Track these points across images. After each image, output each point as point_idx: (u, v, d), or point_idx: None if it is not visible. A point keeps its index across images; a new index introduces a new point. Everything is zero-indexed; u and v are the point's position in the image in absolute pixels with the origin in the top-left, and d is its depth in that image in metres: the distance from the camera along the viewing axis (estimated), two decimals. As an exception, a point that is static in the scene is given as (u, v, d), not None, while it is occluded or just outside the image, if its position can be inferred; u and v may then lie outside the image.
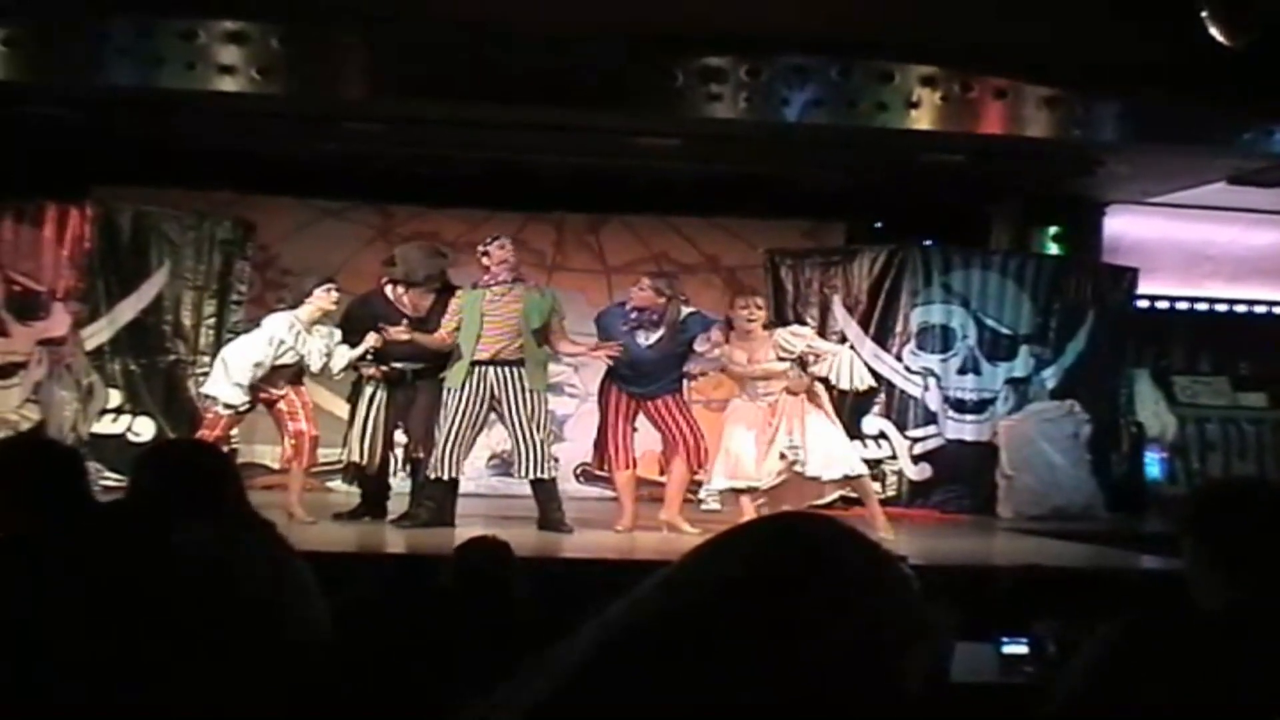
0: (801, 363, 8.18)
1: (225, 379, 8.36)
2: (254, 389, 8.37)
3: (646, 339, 8.46)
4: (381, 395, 8.65)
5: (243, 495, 3.21)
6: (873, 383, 8.82)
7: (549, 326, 8.38)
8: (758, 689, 1.32)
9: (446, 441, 8.18)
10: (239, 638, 2.21)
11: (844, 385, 8.32)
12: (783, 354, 8.15)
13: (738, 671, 1.33)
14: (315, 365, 8.51)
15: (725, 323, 8.29)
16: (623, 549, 7.88)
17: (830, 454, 8.08)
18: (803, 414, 8.08)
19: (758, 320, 8.21)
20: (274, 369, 8.38)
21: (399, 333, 8.29)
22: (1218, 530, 2.39)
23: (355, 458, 8.66)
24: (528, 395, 8.25)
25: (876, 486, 10.28)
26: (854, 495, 8.54)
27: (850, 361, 8.35)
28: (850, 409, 10.81)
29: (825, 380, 8.32)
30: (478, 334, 8.21)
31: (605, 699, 1.33)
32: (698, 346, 8.35)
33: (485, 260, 8.34)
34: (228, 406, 8.37)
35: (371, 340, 8.44)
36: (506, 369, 8.23)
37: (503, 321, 8.26)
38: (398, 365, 8.56)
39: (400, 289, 8.68)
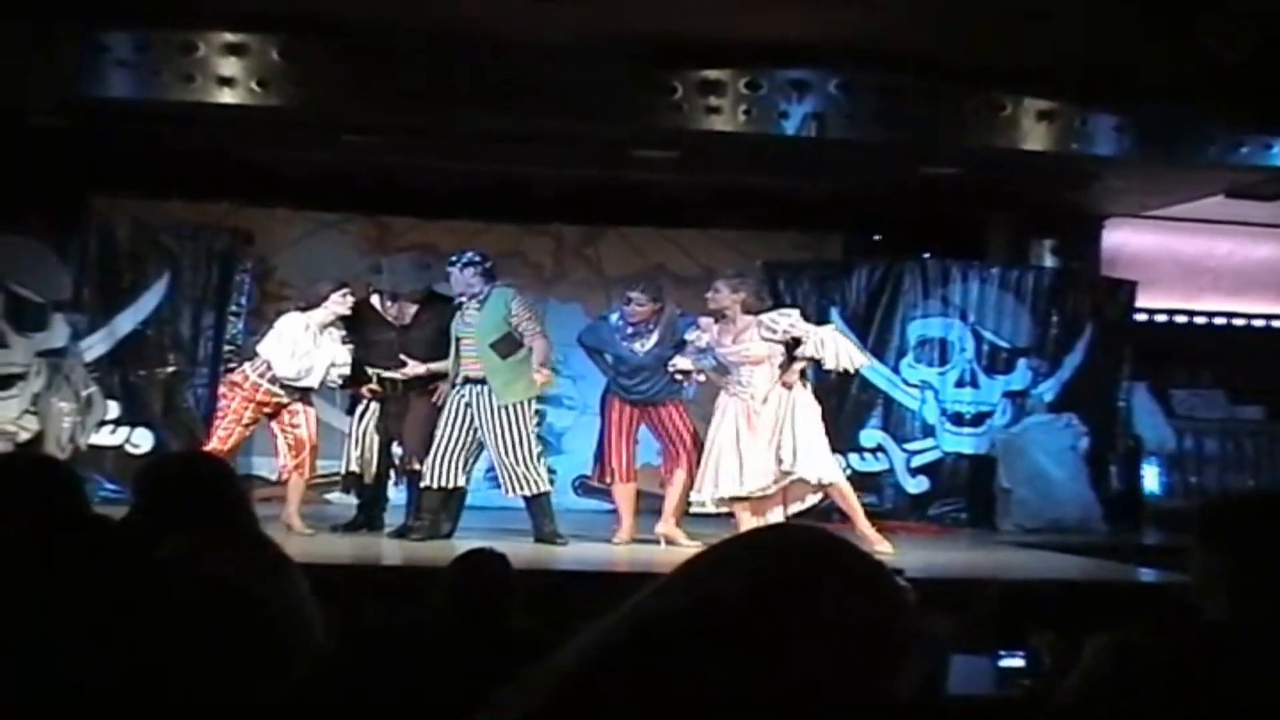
0: (788, 349, 8.14)
1: (284, 353, 8.38)
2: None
3: (643, 345, 8.47)
4: (374, 407, 8.72)
5: (247, 506, 3.21)
6: (864, 360, 8.60)
7: (515, 330, 8.17)
8: (753, 695, 1.33)
9: (436, 452, 8.16)
10: (237, 649, 2.21)
11: (830, 364, 8.16)
12: (765, 335, 8.11)
13: (733, 677, 1.33)
14: (317, 375, 8.48)
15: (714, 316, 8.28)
16: (620, 562, 7.87)
17: (814, 456, 8.04)
18: (793, 411, 8.03)
19: (722, 299, 8.15)
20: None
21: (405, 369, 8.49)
22: (1229, 541, 2.39)
23: (352, 467, 8.75)
24: (496, 413, 8.10)
25: (874, 499, 10.27)
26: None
27: (835, 340, 8.23)
28: (848, 421, 10.84)
29: (818, 362, 8.20)
30: (455, 351, 8.21)
31: (605, 702, 1.34)
32: (688, 337, 8.33)
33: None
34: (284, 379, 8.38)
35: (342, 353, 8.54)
36: (478, 386, 8.15)
37: (472, 337, 8.20)
38: (386, 376, 8.60)
39: (387, 300, 8.76)
